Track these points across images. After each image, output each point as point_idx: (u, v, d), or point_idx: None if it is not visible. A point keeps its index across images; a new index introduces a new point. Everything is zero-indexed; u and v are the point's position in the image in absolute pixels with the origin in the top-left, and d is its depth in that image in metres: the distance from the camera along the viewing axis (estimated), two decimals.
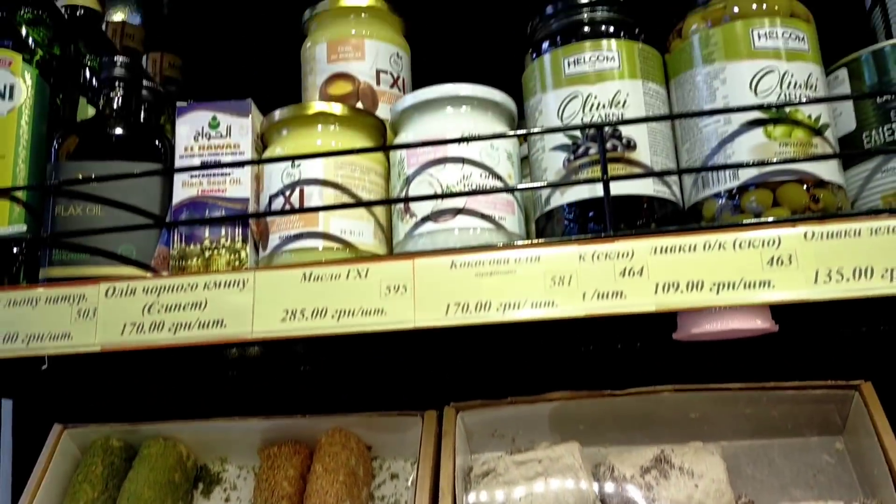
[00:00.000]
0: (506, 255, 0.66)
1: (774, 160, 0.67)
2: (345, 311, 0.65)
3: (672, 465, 0.87)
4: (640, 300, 0.64)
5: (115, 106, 0.76)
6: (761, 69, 0.70)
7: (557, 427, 0.94)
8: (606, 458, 0.89)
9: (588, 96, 0.72)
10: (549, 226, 0.73)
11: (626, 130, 0.71)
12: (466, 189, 0.70)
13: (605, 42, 0.74)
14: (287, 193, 0.72)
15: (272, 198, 0.73)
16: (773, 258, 0.64)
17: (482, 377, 1.00)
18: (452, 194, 0.70)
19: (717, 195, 0.70)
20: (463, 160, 0.71)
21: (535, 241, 0.68)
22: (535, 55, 0.77)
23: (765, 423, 0.92)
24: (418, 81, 0.84)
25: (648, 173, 0.70)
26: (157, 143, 0.76)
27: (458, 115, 0.74)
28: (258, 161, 0.73)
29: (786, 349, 0.97)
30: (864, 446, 0.87)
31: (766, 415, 0.92)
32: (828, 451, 0.92)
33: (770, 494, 0.89)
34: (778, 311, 0.82)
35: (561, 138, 0.73)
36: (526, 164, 0.79)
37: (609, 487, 0.86)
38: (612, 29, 0.75)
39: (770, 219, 0.66)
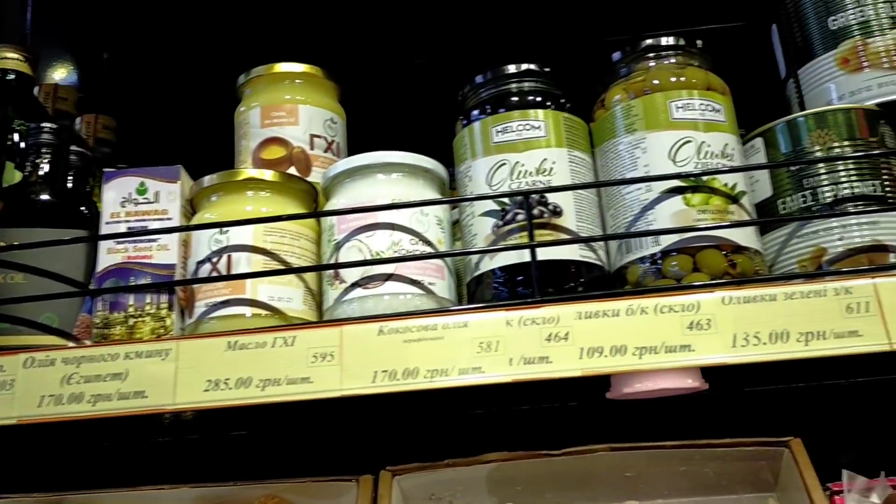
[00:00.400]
0: (434, 321, 0.66)
1: (697, 227, 0.69)
2: (270, 381, 0.65)
3: None
4: (565, 365, 0.65)
5: (40, 172, 0.76)
6: (680, 139, 0.72)
7: (495, 489, 0.94)
8: None
9: (516, 164, 0.74)
10: (479, 290, 0.74)
11: (552, 197, 0.73)
12: (396, 255, 0.71)
13: (532, 111, 0.76)
14: (214, 260, 0.71)
15: (199, 264, 0.72)
16: (692, 322, 0.66)
17: (419, 440, 0.99)
18: (381, 260, 0.70)
19: (641, 260, 0.72)
20: (392, 226, 0.72)
21: (463, 306, 0.68)
22: (465, 122, 0.79)
23: (699, 481, 0.93)
24: (356, 146, 0.85)
25: (573, 239, 0.71)
26: (82, 209, 0.76)
27: (389, 181, 0.75)
28: (184, 228, 0.73)
29: (721, 406, 0.99)
30: (795, 503, 0.88)
31: (701, 472, 0.93)
32: None
33: None
34: (709, 368, 0.84)
35: (490, 204, 0.74)
36: (459, 227, 0.80)
37: None
38: (538, 99, 0.77)
39: (691, 284, 0.68)
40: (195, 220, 0.75)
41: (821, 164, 0.73)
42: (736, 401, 1.05)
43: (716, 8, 1.01)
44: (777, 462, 0.92)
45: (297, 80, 0.87)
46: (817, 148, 0.74)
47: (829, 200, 0.72)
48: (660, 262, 0.71)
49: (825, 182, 0.73)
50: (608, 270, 0.75)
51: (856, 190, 0.72)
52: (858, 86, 0.76)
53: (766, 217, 0.74)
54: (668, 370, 0.80)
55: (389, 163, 0.75)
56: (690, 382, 0.81)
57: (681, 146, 0.72)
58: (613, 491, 0.93)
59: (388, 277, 0.71)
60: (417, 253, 0.72)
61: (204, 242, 0.72)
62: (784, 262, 0.73)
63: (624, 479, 0.93)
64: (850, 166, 0.73)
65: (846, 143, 0.73)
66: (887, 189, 0.72)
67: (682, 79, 0.75)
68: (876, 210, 0.70)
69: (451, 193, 0.82)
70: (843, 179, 0.72)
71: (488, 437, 0.97)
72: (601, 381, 0.81)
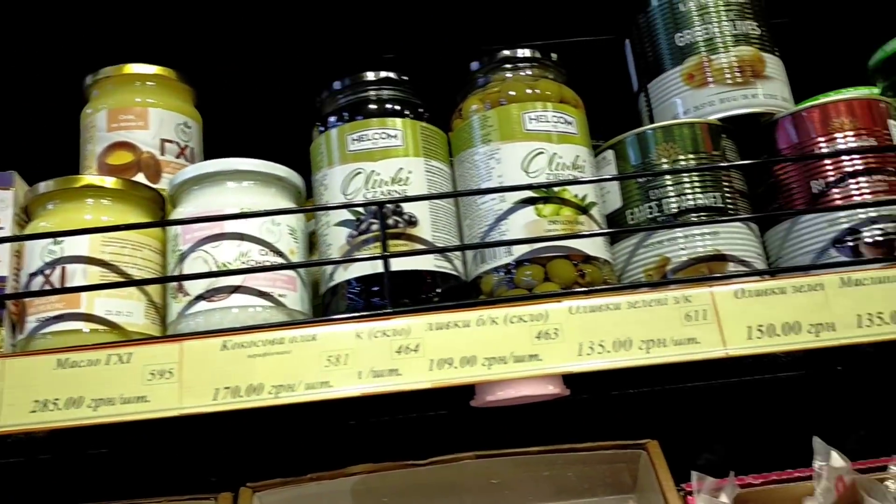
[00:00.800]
0: (280, 334, 0.64)
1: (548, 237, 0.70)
2: (103, 400, 0.61)
3: None
4: (415, 377, 0.64)
5: None
6: (533, 150, 0.73)
7: (361, 501, 0.92)
8: None
9: (371, 172, 0.73)
10: (333, 301, 0.72)
11: (408, 207, 0.73)
12: (244, 266, 0.69)
13: (389, 120, 0.75)
14: (47, 272, 0.67)
15: (31, 276, 0.68)
16: (541, 332, 0.66)
17: (282, 454, 0.96)
18: (226, 272, 0.68)
19: (496, 270, 0.72)
20: (241, 236, 0.70)
21: (311, 319, 0.67)
22: (322, 129, 0.77)
23: (563, 485, 0.95)
24: (215, 152, 0.82)
25: (426, 250, 0.71)
26: None
27: (240, 189, 0.73)
28: (15, 238, 0.68)
29: (589, 410, 1.01)
30: (653, 503, 0.91)
31: (564, 476, 0.95)
32: None
33: None
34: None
35: (345, 214, 0.73)
36: (316, 238, 0.79)
37: None
38: (396, 107, 0.76)
39: (540, 294, 0.69)
40: (28, 230, 0.70)
41: (667, 177, 0.75)
42: (604, 404, 1.07)
43: (577, 22, 1.03)
44: (636, 464, 0.94)
45: (149, 83, 0.83)
46: (664, 160, 0.76)
47: (673, 211, 0.74)
48: (513, 271, 0.71)
49: (671, 194, 0.75)
50: (465, 280, 0.75)
51: (698, 201, 0.75)
52: (703, 101, 0.79)
53: (616, 228, 0.76)
54: (529, 378, 0.81)
55: (240, 170, 0.73)
56: (552, 389, 0.82)
57: (533, 157, 0.73)
58: (480, 498, 0.93)
59: (235, 290, 0.68)
60: (267, 264, 0.70)
61: (37, 253, 0.68)
62: (632, 271, 0.75)
63: (490, 486, 0.94)
64: (694, 179, 0.75)
65: (691, 156, 0.76)
66: (728, 201, 0.75)
67: (537, 91, 0.76)
68: (715, 221, 0.73)
69: (310, 203, 0.80)
70: (688, 191, 0.75)
71: (359, 448, 0.95)
72: (469, 390, 0.81)
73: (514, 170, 0.73)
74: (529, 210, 0.72)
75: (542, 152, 0.73)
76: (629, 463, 0.95)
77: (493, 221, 0.73)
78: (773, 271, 0.73)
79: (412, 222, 0.72)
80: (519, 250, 0.71)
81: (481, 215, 0.74)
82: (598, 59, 0.95)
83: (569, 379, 0.95)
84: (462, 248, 0.73)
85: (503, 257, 0.72)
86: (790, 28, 1.13)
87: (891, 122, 0.77)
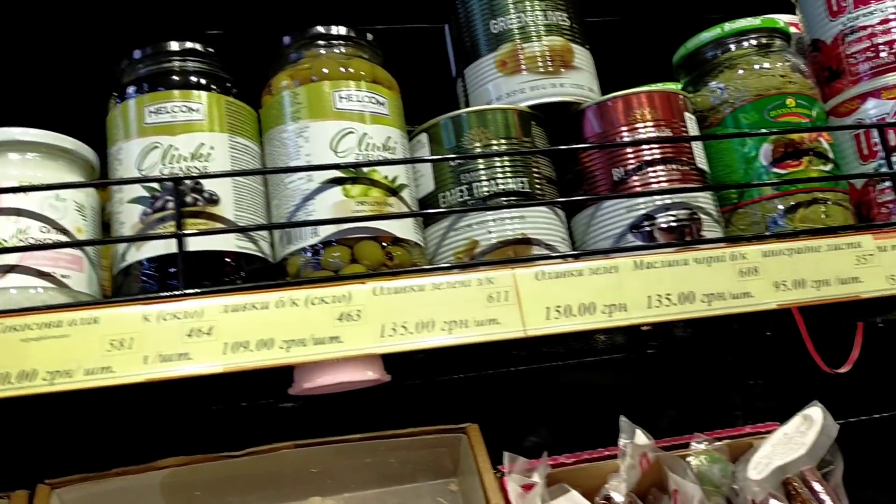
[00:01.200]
0: (58, 317, 0.59)
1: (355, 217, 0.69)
2: None
3: None
4: (206, 361, 0.61)
5: None
6: (342, 129, 0.72)
7: (171, 496, 0.88)
8: None
9: (169, 147, 0.69)
10: (126, 283, 0.68)
11: (209, 185, 0.69)
12: (22, 244, 0.63)
13: (192, 93, 0.72)
14: None
15: None
16: (343, 314, 0.65)
17: (86, 449, 0.90)
18: (1, 250, 0.62)
19: (303, 251, 0.70)
20: (19, 212, 0.64)
21: (94, 300, 0.62)
22: (119, 100, 0.72)
23: (385, 472, 0.94)
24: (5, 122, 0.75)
25: (224, 229, 0.68)
26: None
27: (23, 162, 0.67)
28: None
29: (407, 396, 1.01)
30: (471, 486, 0.92)
31: (386, 462, 0.94)
32: (442, 493, 0.96)
33: None
34: (395, 359, 0.84)
35: (140, 190, 0.68)
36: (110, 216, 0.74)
37: None
38: (201, 81, 0.73)
39: (343, 275, 0.67)
40: None
41: (479, 162, 0.76)
42: (432, 391, 1.08)
43: (402, 9, 1.03)
44: (457, 448, 0.95)
45: None
46: (477, 145, 0.77)
47: (484, 195, 0.75)
48: (320, 253, 0.70)
49: (482, 178, 0.76)
50: (272, 263, 0.73)
51: (508, 186, 0.76)
52: (514, 88, 0.81)
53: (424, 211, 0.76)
54: (347, 362, 0.79)
55: (22, 141, 0.67)
56: (371, 375, 0.81)
57: (343, 137, 0.72)
58: (299, 488, 0.91)
59: (11, 269, 0.63)
60: (50, 241, 0.64)
61: None
62: (442, 254, 0.75)
63: (310, 475, 0.92)
64: (506, 164, 0.76)
65: (503, 141, 0.77)
66: (536, 186, 0.77)
67: (350, 69, 0.74)
68: (521, 205, 0.74)
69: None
70: (498, 176, 0.76)
71: (170, 441, 0.91)
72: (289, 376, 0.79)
73: (322, 149, 0.71)
74: (337, 190, 0.70)
75: (351, 132, 0.72)
76: (450, 447, 0.95)
77: (299, 201, 0.71)
78: (574, 255, 0.75)
79: (213, 200, 0.69)
80: (325, 231, 0.69)
81: (288, 195, 0.71)
82: (422, 46, 0.95)
83: (397, 365, 0.95)
84: (263, 227, 0.71)
85: (309, 238, 0.70)
86: (616, 26, 1.18)
87: (687, 114, 0.81)
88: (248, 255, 0.70)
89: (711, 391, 1.11)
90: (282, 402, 1.06)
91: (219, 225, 0.68)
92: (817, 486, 0.88)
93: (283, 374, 0.84)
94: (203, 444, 0.89)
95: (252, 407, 1.04)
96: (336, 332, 0.64)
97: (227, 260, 0.69)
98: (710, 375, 1.11)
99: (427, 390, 1.07)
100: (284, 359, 0.63)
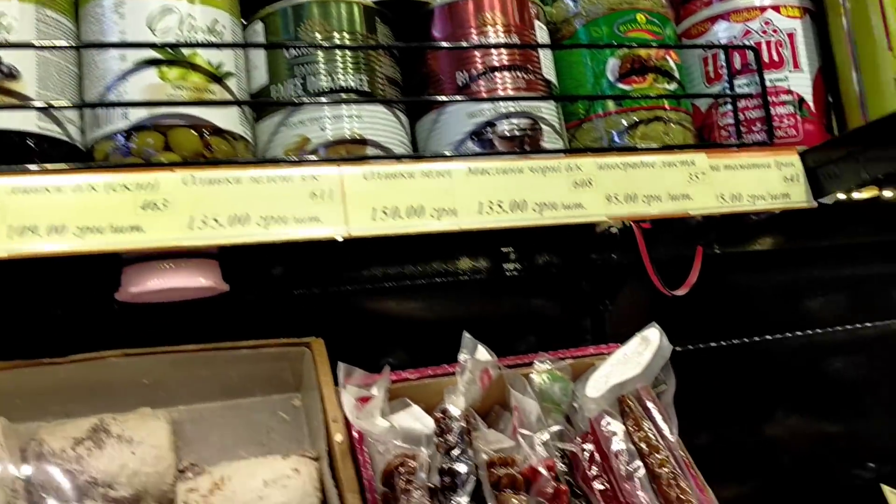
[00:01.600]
0: None
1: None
2: None
3: (110, 433, 0.81)
4: None
5: None
6: (162, 7, 0.66)
7: None
8: (37, 432, 0.80)
9: None
10: None
11: (8, 57, 0.63)
12: None
13: None
14: None
15: None
16: (146, 202, 0.61)
17: None
18: None
19: (113, 136, 0.65)
20: None
21: None
22: None
23: (223, 385, 0.91)
24: None
25: (19, 105, 0.62)
26: None
27: None
28: None
29: (247, 311, 0.97)
30: (312, 400, 0.90)
31: (225, 375, 0.91)
32: (284, 408, 0.93)
33: (218, 456, 0.87)
34: (235, 272, 0.81)
35: None
36: None
37: (33, 464, 0.77)
38: None
39: (151, 163, 0.63)
40: None
41: (319, 55, 0.71)
42: (266, 305, 1.03)
43: None
44: (300, 363, 0.93)
45: None
46: (317, 36, 0.72)
47: (320, 90, 0.71)
48: (134, 138, 0.65)
49: (320, 71, 0.71)
50: (84, 150, 0.67)
51: (346, 82, 0.72)
52: None
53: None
54: (180, 267, 0.75)
55: None
56: (203, 282, 0.77)
57: (163, 16, 0.66)
58: (128, 400, 0.86)
59: None
60: None
61: None
62: (273, 150, 0.71)
63: (140, 386, 0.88)
64: (347, 58, 0.72)
65: (346, 34, 0.73)
66: (378, 86, 0.73)
67: None
68: (354, 101, 0.71)
69: None
70: (339, 71, 0.72)
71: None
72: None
73: (139, 27, 0.66)
74: (152, 72, 0.65)
75: (173, 11, 0.66)
76: (293, 362, 0.93)
77: (111, 82, 0.65)
78: (406, 157, 0.72)
79: (12, 75, 0.63)
80: (136, 115, 0.64)
81: (99, 76, 0.66)
82: None
83: (245, 278, 0.91)
84: (65, 107, 0.64)
85: (119, 121, 0.64)
86: None
87: (538, 23, 0.79)
88: (53, 139, 0.64)
89: (566, 316, 1.12)
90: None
91: (12, 100, 0.62)
92: (650, 405, 0.90)
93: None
94: (24, 351, 0.84)
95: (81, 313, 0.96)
96: (138, 221, 0.60)
97: (29, 143, 0.63)
98: (565, 301, 1.11)
99: (276, 307, 1.03)
100: (78, 247, 0.59)
